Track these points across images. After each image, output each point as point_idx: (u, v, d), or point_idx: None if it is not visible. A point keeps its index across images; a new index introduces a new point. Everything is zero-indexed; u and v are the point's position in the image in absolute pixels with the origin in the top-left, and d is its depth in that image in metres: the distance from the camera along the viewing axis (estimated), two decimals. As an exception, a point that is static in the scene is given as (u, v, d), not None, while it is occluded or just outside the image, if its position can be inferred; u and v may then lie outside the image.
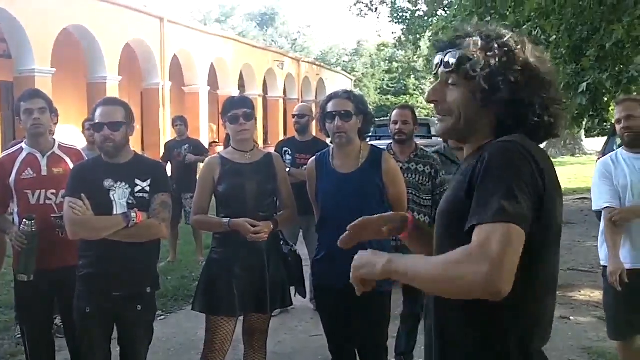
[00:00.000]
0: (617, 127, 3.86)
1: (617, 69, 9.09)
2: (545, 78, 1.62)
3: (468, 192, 1.52)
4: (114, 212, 3.23)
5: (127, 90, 18.14)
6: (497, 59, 1.56)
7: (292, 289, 3.83)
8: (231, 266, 3.54)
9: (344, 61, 49.93)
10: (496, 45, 1.58)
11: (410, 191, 4.51)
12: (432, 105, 1.68)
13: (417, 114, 4.93)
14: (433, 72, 1.70)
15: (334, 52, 51.12)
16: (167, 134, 18.08)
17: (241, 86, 24.52)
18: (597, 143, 25.29)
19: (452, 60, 1.61)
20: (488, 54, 1.57)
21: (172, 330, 5.73)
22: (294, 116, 6.28)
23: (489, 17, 9.97)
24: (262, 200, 3.60)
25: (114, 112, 3.33)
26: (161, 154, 9.52)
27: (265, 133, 27.06)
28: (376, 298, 3.34)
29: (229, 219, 3.49)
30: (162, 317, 6.08)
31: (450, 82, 1.64)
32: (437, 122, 1.73)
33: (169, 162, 8.31)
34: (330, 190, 3.42)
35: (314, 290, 3.82)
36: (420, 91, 45.84)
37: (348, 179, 3.40)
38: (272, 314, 5.76)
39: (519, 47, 1.60)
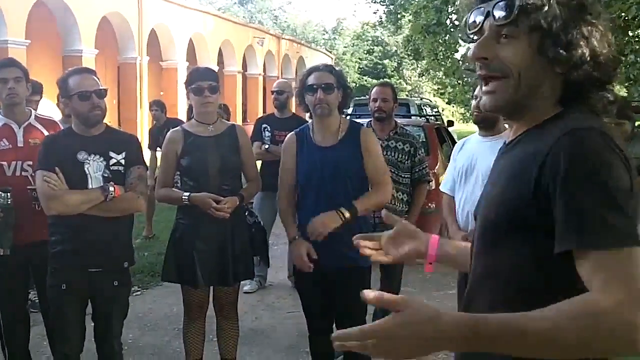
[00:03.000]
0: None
1: None
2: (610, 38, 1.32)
3: (535, 192, 1.21)
4: (89, 186, 3.16)
5: (104, 64, 17.86)
6: (566, 5, 1.27)
7: (256, 259, 3.91)
8: (194, 238, 3.58)
9: (323, 39, 49.64)
10: None
11: (389, 169, 4.53)
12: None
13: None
14: (470, 33, 1.37)
15: (313, 29, 50.75)
16: (144, 109, 17.89)
17: (220, 62, 24.28)
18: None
19: (507, 9, 1.27)
20: None
21: (148, 305, 5.71)
22: (273, 92, 6.21)
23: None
24: (226, 173, 3.61)
25: (93, 80, 3.24)
26: (144, 139, 9.32)
27: (245, 110, 26.89)
28: (356, 274, 3.37)
29: (189, 193, 3.51)
30: (138, 292, 6.06)
31: (504, 33, 1.30)
32: (481, 93, 1.38)
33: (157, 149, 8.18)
34: (311, 164, 3.41)
35: (294, 270, 3.83)
36: (399, 73, 45.84)
37: (328, 152, 3.38)
38: (250, 291, 5.88)
39: None
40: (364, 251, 1.84)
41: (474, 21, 1.35)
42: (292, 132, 3.58)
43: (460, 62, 17.21)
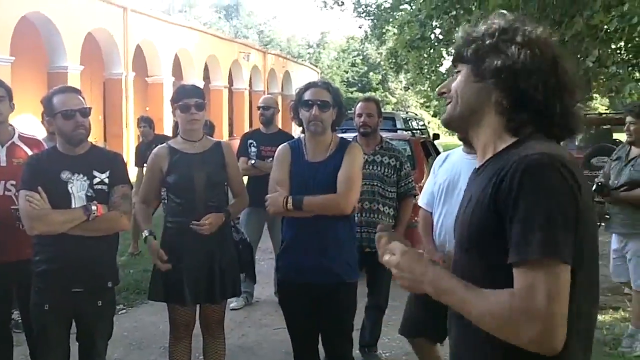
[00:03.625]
0: None
1: (576, 62, 9.26)
2: (555, 59, 1.51)
3: (495, 210, 1.41)
4: (73, 205, 3.14)
5: (89, 80, 17.83)
6: (492, 36, 1.53)
7: (242, 276, 3.92)
8: (181, 255, 3.55)
9: (308, 53, 49.85)
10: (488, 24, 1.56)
11: (375, 183, 4.54)
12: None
13: (382, 108, 4.94)
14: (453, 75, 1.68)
15: (298, 44, 50.97)
16: (130, 125, 17.84)
17: (206, 77, 24.28)
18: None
19: (454, 55, 1.63)
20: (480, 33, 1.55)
21: (133, 324, 5.65)
22: (259, 108, 6.22)
23: (454, 12, 10.04)
24: (212, 190, 3.61)
25: (77, 99, 3.23)
26: (130, 155, 9.22)
27: (231, 125, 26.87)
28: (342, 289, 3.35)
29: (149, 233, 3.59)
30: (124, 311, 6.00)
31: (456, 70, 1.62)
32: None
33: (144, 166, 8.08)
34: (301, 180, 3.39)
35: (278, 285, 3.81)
36: (384, 86, 46.08)
37: (317, 168, 3.38)
38: (236, 307, 5.84)
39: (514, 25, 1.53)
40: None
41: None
42: (286, 143, 3.56)
43: (445, 76, 17.36)
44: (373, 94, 43.12)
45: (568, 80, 1.50)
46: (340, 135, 3.61)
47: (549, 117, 1.49)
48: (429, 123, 25.24)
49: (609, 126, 13.12)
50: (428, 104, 37.18)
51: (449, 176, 3.64)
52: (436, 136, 15.01)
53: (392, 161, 4.62)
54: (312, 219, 3.28)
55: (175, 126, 3.79)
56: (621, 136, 13.61)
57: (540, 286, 1.31)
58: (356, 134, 4.77)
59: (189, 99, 3.57)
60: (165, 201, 3.76)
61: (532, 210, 1.33)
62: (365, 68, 47.19)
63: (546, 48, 1.50)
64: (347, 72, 46.56)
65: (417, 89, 34.20)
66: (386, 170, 4.60)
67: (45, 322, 3.19)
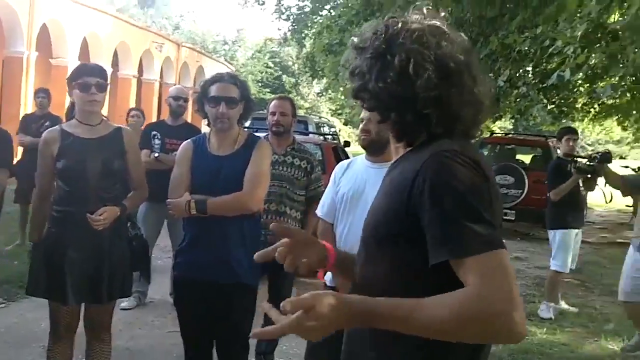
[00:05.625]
0: None
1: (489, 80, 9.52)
2: (451, 65, 1.44)
3: (407, 210, 1.38)
4: None
5: (-14, 56, 16.73)
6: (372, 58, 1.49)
7: (136, 275, 3.64)
8: (65, 249, 3.25)
9: (223, 49, 49.29)
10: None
11: (284, 185, 4.39)
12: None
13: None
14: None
15: (214, 39, 50.28)
16: (28, 107, 16.88)
17: (115, 64, 23.39)
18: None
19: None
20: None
21: (13, 320, 5.23)
22: (169, 97, 5.93)
23: (374, 19, 10.08)
24: (107, 180, 3.32)
25: None
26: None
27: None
28: (241, 292, 3.20)
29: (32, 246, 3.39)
30: (3, 305, 5.59)
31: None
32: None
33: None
34: (204, 172, 3.23)
35: (174, 282, 3.58)
36: (297, 90, 46.18)
37: (223, 161, 3.22)
38: (127, 307, 5.51)
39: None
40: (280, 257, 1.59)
41: None
42: (189, 140, 3.38)
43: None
44: (287, 95, 43.09)
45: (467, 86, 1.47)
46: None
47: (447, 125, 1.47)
48: (339, 130, 25.38)
49: (512, 146, 13.64)
50: (340, 111, 37.55)
51: (353, 186, 3.41)
52: (347, 143, 15.02)
53: (303, 163, 4.48)
54: (216, 217, 3.12)
55: (70, 108, 3.45)
56: (525, 157, 14.27)
57: (495, 272, 1.28)
58: (267, 133, 4.58)
59: (90, 77, 3.25)
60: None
61: (450, 205, 1.32)
62: (280, 71, 47.12)
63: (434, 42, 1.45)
64: (261, 73, 46.35)
65: (330, 96, 34.41)
66: (296, 172, 4.45)
67: None
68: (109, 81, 3.39)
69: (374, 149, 3.36)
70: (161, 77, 28.12)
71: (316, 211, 3.77)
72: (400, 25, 1.46)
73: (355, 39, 1.54)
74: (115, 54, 23.75)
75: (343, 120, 39.35)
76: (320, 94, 32.42)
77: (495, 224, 1.34)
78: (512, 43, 8.03)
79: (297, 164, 4.46)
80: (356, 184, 3.41)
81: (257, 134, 4.67)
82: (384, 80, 1.44)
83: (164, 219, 5.64)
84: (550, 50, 7.27)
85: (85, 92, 3.24)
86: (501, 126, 27.18)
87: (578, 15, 6.87)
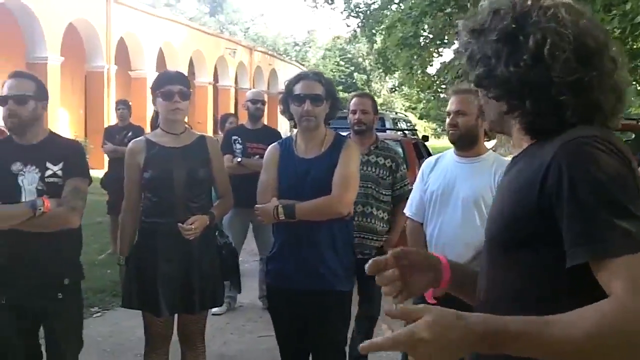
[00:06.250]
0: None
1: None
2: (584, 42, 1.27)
3: (539, 207, 1.20)
4: (23, 199, 2.89)
5: (70, 73, 17.43)
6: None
7: (227, 284, 3.66)
8: (156, 261, 3.24)
9: (295, 50, 49.70)
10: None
11: (369, 185, 4.25)
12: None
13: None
14: None
15: (284, 42, 50.81)
16: (111, 119, 17.45)
17: (191, 73, 23.93)
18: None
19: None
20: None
21: (108, 328, 5.33)
22: (246, 101, 5.93)
23: (449, 9, 9.83)
24: (193, 188, 3.27)
25: (21, 84, 2.97)
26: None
27: (216, 122, 26.51)
28: (335, 299, 3.12)
29: (124, 260, 3.37)
30: (99, 314, 5.70)
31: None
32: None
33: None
34: (292, 177, 3.15)
35: (267, 291, 3.53)
36: (369, 88, 45.98)
37: (311, 164, 3.13)
38: (218, 313, 5.54)
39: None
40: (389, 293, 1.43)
41: None
42: (276, 143, 3.33)
43: (435, 77, 17.15)
44: (367, 91, 42.99)
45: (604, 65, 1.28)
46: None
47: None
48: (415, 125, 25.06)
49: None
50: (414, 106, 37.08)
51: (442, 182, 3.30)
52: (425, 138, 14.76)
53: (388, 162, 4.34)
54: (306, 222, 3.04)
55: (154, 117, 3.45)
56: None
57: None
58: (348, 132, 4.48)
59: (173, 85, 3.22)
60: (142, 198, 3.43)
61: (593, 198, 1.14)
62: (352, 68, 47.08)
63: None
64: (333, 72, 46.46)
65: (404, 92, 33.98)
66: (381, 171, 4.31)
67: None
68: (190, 88, 3.38)
69: (464, 143, 3.29)
70: (236, 82, 28.58)
71: (404, 210, 3.68)
72: (530, 2, 1.30)
73: (468, 22, 1.38)
74: (191, 63, 24.30)
75: (418, 115, 38.90)
76: (393, 90, 32.07)
77: None
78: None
79: (381, 163, 4.32)
80: (445, 180, 3.31)
81: (338, 133, 4.60)
82: (515, 65, 1.27)
83: (249, 223, 5.64)
84: (642, 26, 6.84)
85: (169, 100, 3.22)
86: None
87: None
